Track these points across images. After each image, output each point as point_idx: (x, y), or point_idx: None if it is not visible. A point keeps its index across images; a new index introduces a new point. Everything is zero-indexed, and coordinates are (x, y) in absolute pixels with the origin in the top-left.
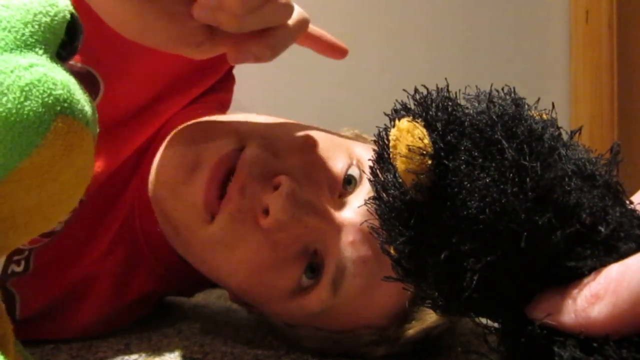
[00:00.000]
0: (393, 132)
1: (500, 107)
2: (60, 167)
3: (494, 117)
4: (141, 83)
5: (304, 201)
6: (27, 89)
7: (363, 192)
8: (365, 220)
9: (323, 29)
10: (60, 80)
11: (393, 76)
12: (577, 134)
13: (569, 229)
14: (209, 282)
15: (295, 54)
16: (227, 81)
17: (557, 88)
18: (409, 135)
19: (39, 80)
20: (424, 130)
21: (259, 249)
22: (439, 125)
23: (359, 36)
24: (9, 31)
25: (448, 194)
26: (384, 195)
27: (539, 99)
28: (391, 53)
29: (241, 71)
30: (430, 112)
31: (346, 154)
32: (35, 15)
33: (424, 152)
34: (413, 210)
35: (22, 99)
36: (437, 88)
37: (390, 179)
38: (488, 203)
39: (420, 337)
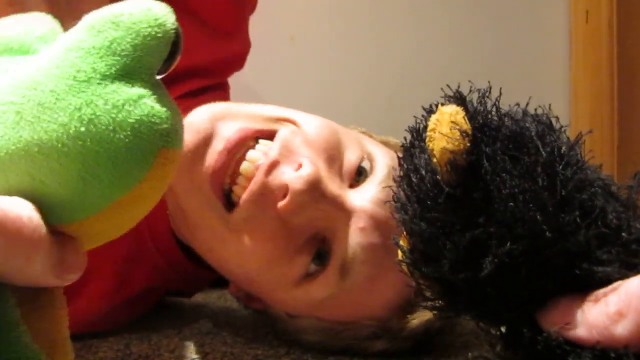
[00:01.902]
0: (434, 117)
1: (536, 116)
2: (155, 194)
3: (529, 119)
4: None
5: (322, 184)
6: (136, 125)
7: (374, 182)
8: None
9: (321, 28)
10: (164, 112)
11: (393, 76)
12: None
13: (593, 231)
14: (209, 282)
15: (294, 53)
16: (222, 88)
17: (557, 88)
18: (451, 117)
19: (147, 116)
20: (466, 117)
21: (275, 239)
22: (479, 117)
23: (357, 36)
24: (119, 55)
25: (481, 177)
26: (415, 175)
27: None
28: (388, 53)
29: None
30: (471, 105)
31: (359, 147)
32: (144, 37)
33: (465, 133)
34: (443, 190)
35: (131, 137)
36: (478, 91)
37: (424, 160)
38: (520, 191)
39: (420, 330)
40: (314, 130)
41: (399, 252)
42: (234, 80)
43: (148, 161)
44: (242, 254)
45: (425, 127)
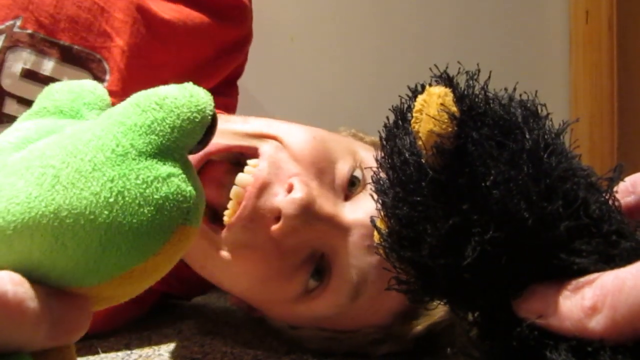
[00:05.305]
0: (421, 97)
1: (523, 102)
2: (165, 267)
3: (515, 105)
4: (147, 77)
5: (316, 205)
6: (160, 202)
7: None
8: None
9: (321, 28)
10: (189, 191)
11: (393, 77)
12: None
13: (575, 222)
14: (209, 286)
15: (294, 53)
16: (231, 87)
17: (557, 88)
18: (440, 99)
19: (172, 194)
20: (454, 99)
21: (268, 260)
22: (467, 100)
23: (357, 37)
24: (157, 135)
25: (467, 162)
26: (398, 158)
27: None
28: (388, 53)
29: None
30: (459, 88)
31: (351, 156)
32: (183, 121)
33: (454, 117)
34: (427, 174)
35: (154, 212)
36: (467, 73)
37: (408, 142)
38: (505, 179)
39: (423, 333)
40: (299, 145)
41: (376, 234)
42: None
43: (166, 236)
44: (233, 274)
45: (409, 107)
